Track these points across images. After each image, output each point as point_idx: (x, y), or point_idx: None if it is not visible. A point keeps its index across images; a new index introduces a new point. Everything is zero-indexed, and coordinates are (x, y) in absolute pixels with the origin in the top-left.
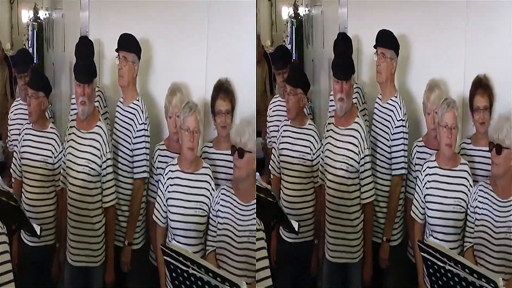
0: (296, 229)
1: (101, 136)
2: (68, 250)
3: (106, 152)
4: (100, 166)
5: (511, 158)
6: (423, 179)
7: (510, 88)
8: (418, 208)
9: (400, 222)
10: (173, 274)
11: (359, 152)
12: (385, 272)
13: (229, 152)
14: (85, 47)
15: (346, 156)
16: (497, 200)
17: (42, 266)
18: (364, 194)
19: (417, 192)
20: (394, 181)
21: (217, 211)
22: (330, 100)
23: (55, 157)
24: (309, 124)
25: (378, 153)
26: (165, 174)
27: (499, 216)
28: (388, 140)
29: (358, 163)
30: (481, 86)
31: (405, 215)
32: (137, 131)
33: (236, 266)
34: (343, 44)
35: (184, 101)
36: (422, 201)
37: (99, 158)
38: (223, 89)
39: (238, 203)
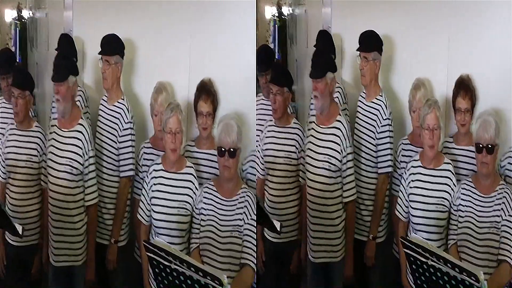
0: (278, 229)
1: (83, 135)
2: (50, 250)
3: (88, 150)
4: (82, 165)
5: (497, 152)
6: (407, 178)
7: (493, 88)
8: (402, 207)
9: (385, 219)
10: (156, 270)
11: (341, 150)
12: (370, 270)
13: (211, 151)
14: (63, 45)
15: (328, 155)
16: (479, 196)
17: (26, 266)
18: (346, 192)
19: (401, 191)
20: (381, 179)
21: (200, 209)
22: (311, 98)
23: (40, 156)
24: (294, 123)
25: (363, 151)
26: (149, 174)
27: (482, 212)
28: (374, 139)
29: (340, 161)
30: (463, 87)
31: (390, 212)
32: (123, 130)
33: (220, 260)
34: (322, 41)
35: (169, 99)
36: (406, 200)
37: (81, 156)
38: (205, 90)
39: (220, 199)
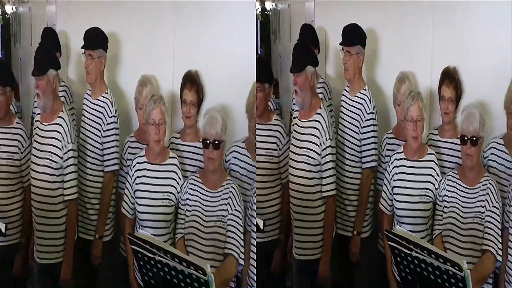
0: (262, 227)
1: (62, 127)
2: (35, 247)
3: (68, 143)
4: (62, 158)
5: (482, 145)
6: (390, 171)
7: (477, 81)
8: (386, 200)
9: (370, 214)
10: (141, 262)
11: (320, 143)
12: (355, 265)
13: (196, 144)
14: (46, 39)
15: (307, 148)
16: (464, 187)
17: (10, 265)
18: (325, 187)
19: (385, 184)
20: (365, 174)
21: (185, 200)
22: (293, 93)
23: (21, 153)
24: (275, 119)
25: (347, 146)
26: (133, 166)
27: (467, 203)
28: (358, 134)
29: (320, 155)
30: (448, 76)
31: (375, 206)
32: (107, 124)
33: (204, 250)
34: (305, 35)
35: (154, 91)
36: (390, 193)
37: (60, 149)
38: (190, 80)
39: (205, 190)
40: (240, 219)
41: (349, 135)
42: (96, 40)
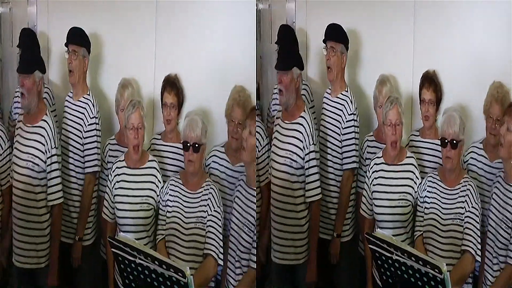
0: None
1: (46, 131)
2: (13, 251)
3: (51, 148)
4: (45, 162)
5: (462, 148)
6: (370, 176)
7: (458, 84)
8: (366, 205)
9: (352, 217)
10: (121, 265)
11: (303, 147)
12: (336, 268)
13: (176, 145)
14: (26, 38)
15: (289, 151)
16: (444, 189)
17: None
18: (309, 192)
19: (365, 189)
20: (345, 175)
21: (166, 201)
22: (273, 94)
23: (0, 155)
24: (256, 121)
25: (329, 148)
26: (112, 171)
27: (447, 204)
28: (339, 135)
29: (303, 159)
30: (428, 79)
31: (356, 209)
32: (88, 125)
33: (184, 252)
34: (284, 37)
35: (135, 95)
36: (370, 198)
37: (44, 153)
38: (170, 83)
39: (185, 191)
40: (219, 219)
41: (331, 136)
42: (80, 37)
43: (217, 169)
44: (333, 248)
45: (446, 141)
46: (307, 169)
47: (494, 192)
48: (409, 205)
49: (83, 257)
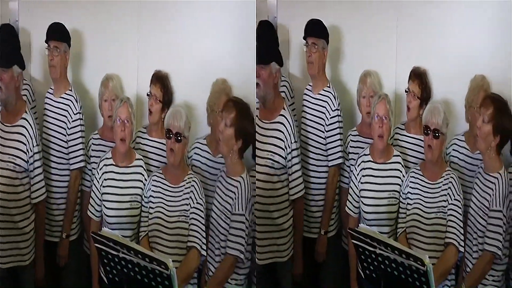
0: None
1: (27, 129)
2: None
3: (33, 146)
4: (27, 162)
5: (444, 143)
6: (357, 174)
7: (441, 80)
8: (353, 203)
9: (336, 212)
10: (105, 260)
11: (285, 147)
12: (321, 265)
13: (160, 140)
14: (5, 33)
15: (271, 152)
16: (427, 183)
17: None
18: (293, 189)
19: (352, 188)
20: (331, 172)
21: (149, 197)
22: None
23: None
24: None
25: (312, 145)
26: (100, 169)
27: (429, 198)
28: (323, 132)
29: (285, 158)
30: (416, 74)
31: (339, 205)
32: (72, 121)
33: (168, 245)
34: (263, 33)
35: (118, 88)
36: (357, 196)
37: (25, 153)
38: (158, 77)
39: (168, 185)
40: (202, 211)
41: (314, 134)
42: (61, 32)
43: (199, 160)
44: (320, 246)
45: (429, 130)
46: (289, 167)
47: (475, 183)
48: (397, 203)
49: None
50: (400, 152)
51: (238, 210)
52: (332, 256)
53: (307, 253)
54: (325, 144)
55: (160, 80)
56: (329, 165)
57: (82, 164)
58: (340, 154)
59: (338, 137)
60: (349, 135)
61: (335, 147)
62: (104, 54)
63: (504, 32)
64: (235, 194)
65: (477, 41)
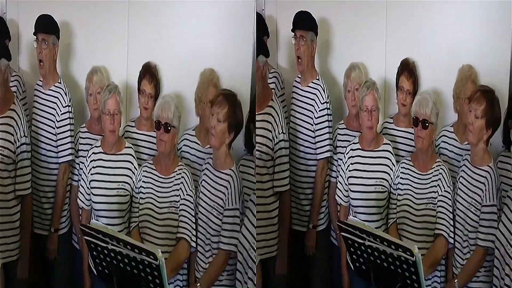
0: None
1: (15, 120)
2: None
3: (21, 137)
4: (14, 153)
5: (434, 132)
6: (346, 162)
7: (430, 71)
8: (342, 191)
9: (326, 205)
10: (94, 252)
11: (273, 137)
12: (311, 258)
13: (151, 133)
14: None
15: (259, 143)
16: (417, 174)
17: None
18: (278, 182)
19: (340, 176)
20: (320, 165)
21: (139, 188)
22: None
23: None
24: None
25: (301, 138)
26: (88, 157)
27: (420, 189)
28: (312, 125)
29: (272, 149)
30: (408, 69)
31: (328, 198)
32: (61, 114)
33: (158, 236)
34: None
35: (104, 80)
36: (346, 184)
37: (13, 144)
38: (150, 73)
39: (158, 176)
40: (192, 203)
41: (303, 126)
42: (50, 24)
43: (188, 152)
44: (309, 239)
45: (418, 121)
46: (276, 158)
47: (462, 176)
48: (385, 191)
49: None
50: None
51: (232, 204)
52: (321, 250)
53: (297, 246)
54: (314, 137)
55: (153, 76)
56: (318, 158)
57: (70, 157)
58: (328, 147)
59: (326, 130)
60: (336, 129)
61: (323, 140)
62: (93, 46)
63: (492, 22)
64: (227, 189)
65: (465, 31)
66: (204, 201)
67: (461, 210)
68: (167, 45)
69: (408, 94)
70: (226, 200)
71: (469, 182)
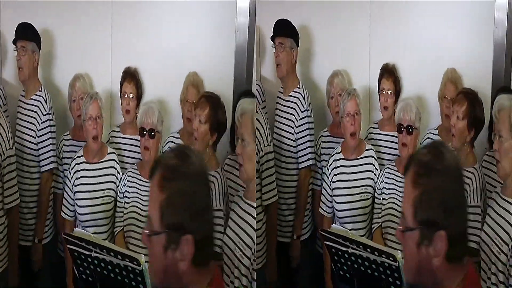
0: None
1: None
2: None
3: (6, 149)
4: (0, 166)
5: (418, 137)
6: (329, 173)
7: (413, 76)
8: (326, 203)
9: (309, 215)
10: (78, 261)
11: (258, 150)
12: (295, 270)
13: (135, 137)
14: None
15: None
16: (402, 178)
17: None
18: (266, 195)
19: (324, 188)
20: (302, 174)
21: (124, 193)
22: None
23: None
24: None
25: (284, 149)
26: (71, 168)
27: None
28: (293, 134)
29: (258, 162)
30: (388, 71)
31: (312, 207)
32: (42, 122)
33: None
34: None
35: (87, 86)
36: (330, 195)
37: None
38: (129, 74)
39: (143, 181)
40: None
41: (285, 137)
42: (29, 32)
43: None
44: (294, 251)
45: (402, 128)
46: (262, 171)
47: None
48: (370, 197)
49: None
50: (376, 151)
51: (216, 205)
52: (306, 260)
53: (281, 258)
54: (295, 146)
55: (133, 77)
56: (299, 167)
57: (52, 165)
58: (310, 155)
59: (307, 138)
60: (320, 136)
61: (305, 148)
62: (76, 53)
63: (476, 26)
64: (211, 190)
65: (450, 35)
66: None
67: None
68: (150, 50)
69: (389, 94)
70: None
71: None
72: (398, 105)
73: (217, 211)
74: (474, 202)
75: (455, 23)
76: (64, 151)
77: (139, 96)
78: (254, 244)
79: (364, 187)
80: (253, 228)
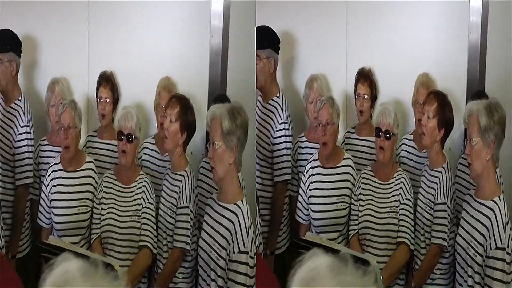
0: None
1: None
2: None
3: None
4: None
5: (395, 143)
6: (306, 181)
7: (390, 80)
8: (302, 210)
9: (285, 229)
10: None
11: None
12: None
13: (112, 141)
14: None
15: None
16: (378, 184)
17: None
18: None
19: (301, 195)
20: (278, 188)
21: (101, 198)
22: None
23: None
24: None
25: (259, 158)
26: (48, 176)
27: (381, 198)
28: (269, 145)
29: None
30: (363, 75)
31: (291, 217)
32: (18, 134)
33: (121, 245)
34: None
35: (65, 90)
36: (306, 203)
37: None
38: (105, 78)
39: (120, 186)
40: (153, 210)
41: (261, 146)
42: (5, 42)
43: (148, 160)
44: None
45: (380, 132)
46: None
47: (422, 181)
48: (347, 207)
49: (17, 270)
50: (353, 156)
51: (183, 203)
52: (282, 274)
53: None
54: (270, 158)
55: (108, 80)
56: (275, 180)
57: (28, 180)
58: (286, 170)
59: (284, 152)
60: (296, 142)
61: (281, 162)
62: (55, 58)
63: (450, 29)
64: (179, 188)
65: (425, 39)
66: (162, 203)
67: (419, 212)
68: (128, 53)
69: (365, 98)
70: (178, 198)
71: (426, 184)
72: (376, 109)
73: (184, 208)
74: (441, 199)
75: (431, 25)
76: (40, 157)
77: (115, 100)
78: (229, 245)
79: (341, 197)
80: (227, 229)
